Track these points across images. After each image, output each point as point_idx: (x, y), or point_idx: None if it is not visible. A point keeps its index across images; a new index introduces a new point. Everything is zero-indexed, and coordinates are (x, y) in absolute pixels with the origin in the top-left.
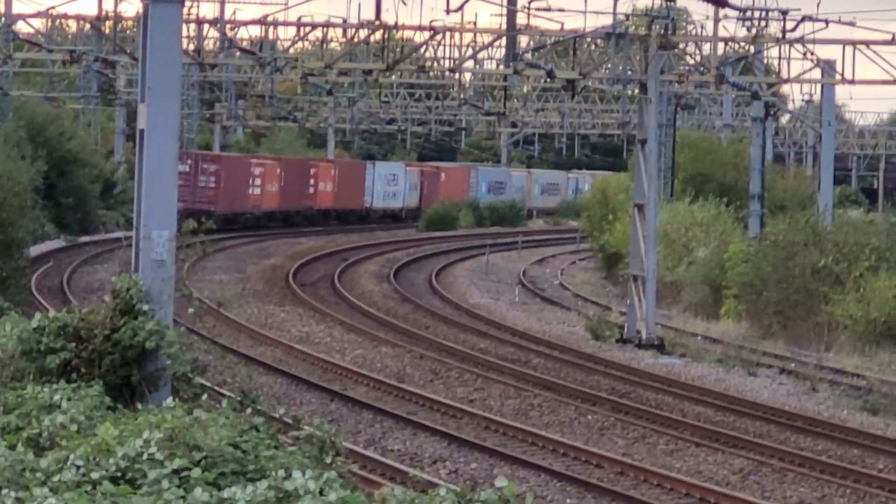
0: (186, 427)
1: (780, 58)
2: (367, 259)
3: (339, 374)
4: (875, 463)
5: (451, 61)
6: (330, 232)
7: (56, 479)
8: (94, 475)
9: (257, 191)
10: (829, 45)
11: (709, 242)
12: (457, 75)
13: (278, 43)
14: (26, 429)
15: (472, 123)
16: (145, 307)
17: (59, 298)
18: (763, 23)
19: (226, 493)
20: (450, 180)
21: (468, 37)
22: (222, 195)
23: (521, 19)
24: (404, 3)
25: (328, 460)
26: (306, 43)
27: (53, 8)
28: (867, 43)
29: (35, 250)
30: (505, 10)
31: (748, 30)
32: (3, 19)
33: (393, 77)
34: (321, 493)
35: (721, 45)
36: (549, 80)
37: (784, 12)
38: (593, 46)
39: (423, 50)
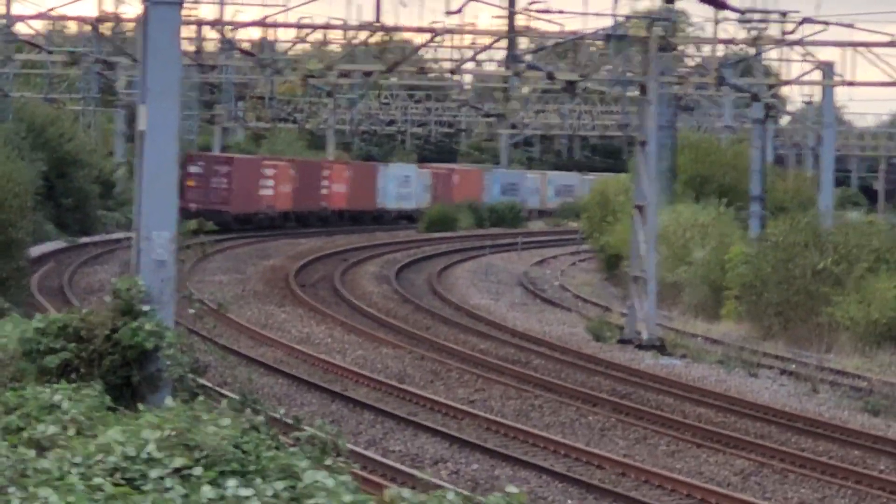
0: (187, 427)
1: (779, 60)
2: (367, 260)
3: (340, 374)
4: (876, 464)
5: (451, 63)
6: (330, 233)
7: (57, 479)
8: (95, 475)
9: (270, 192)
10: (829, 47)
11: (707, 244)
12: (457, 77)
13: (278, 44)
14: (27, 429)
15: (471, 125)
16: (145, 308)
17: (60, 299)
18: (763, 25)
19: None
20: (463, 182)
21: (468, 38)
22: (235, 196)
23: (521, 21)
24: (404, 5)
25: (329, 462)
26: (306, 44)
27: (53, 9)
28: (867, 45)
29: (35, 251)
30: (505, 12)
31: (748, 32)
32: (3, 21)
33: (393, 79)
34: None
35: (721, 47)
36: (549, 81)
37: (784, 14)
38: (593, 48)
39: (423, 51)
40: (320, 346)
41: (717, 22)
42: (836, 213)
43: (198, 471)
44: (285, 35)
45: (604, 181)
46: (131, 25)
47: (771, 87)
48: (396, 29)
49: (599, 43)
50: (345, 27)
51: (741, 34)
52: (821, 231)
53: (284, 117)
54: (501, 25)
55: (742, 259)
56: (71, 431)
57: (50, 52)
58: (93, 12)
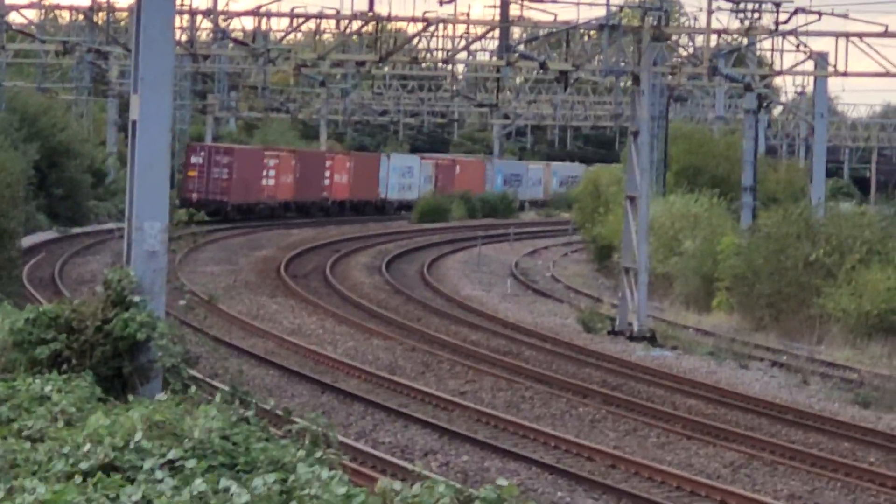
0: (177, 418)
1: (772, 50)
2: (358, 251)
3: (331, 366)
4: (866, 456)
5: (444, 53)
6: (322, 223)
7: (47, 469)
8: (84, 466)
9: (271, 182)
10: (822, 37)
11: (698, 235)
12: (449, 67)
13: (271, 34)
14: (17, 420)
15: (464, 115)
16: (137, 298)
17: (51, 289)
18: (756, 15)
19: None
20: (465, 172)
21: (461, 28)
22: (235, 186)
23: (514, 10)
24: None
25: (319, 454)
26: (299, 34)
27: None
28: (860, 35)
29: (27, 241)
30: (498, 2)
31: (741, 22)
32: None
33: (386, 68)
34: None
35: (714, 36)
36: (541, 71)
37: (777, 4)
38: (586, 38)
39: (415, 41)
40: (311, 337)
41: (710, 12)
42: (827, 204)
43: (191, 462)
44: (278, 25)
45: (595, 171)
46: (124, 15)
47: (763, 77)
48: (389, 18)
49: (592, 32)
50: (338, 17)
51: (734, 24)
52: (812, 222)
53: (277, 107)
54: (494, 15)
55: (733, 250)
56: (61, 423)
57: (43, 42)
58: (86, 2)
